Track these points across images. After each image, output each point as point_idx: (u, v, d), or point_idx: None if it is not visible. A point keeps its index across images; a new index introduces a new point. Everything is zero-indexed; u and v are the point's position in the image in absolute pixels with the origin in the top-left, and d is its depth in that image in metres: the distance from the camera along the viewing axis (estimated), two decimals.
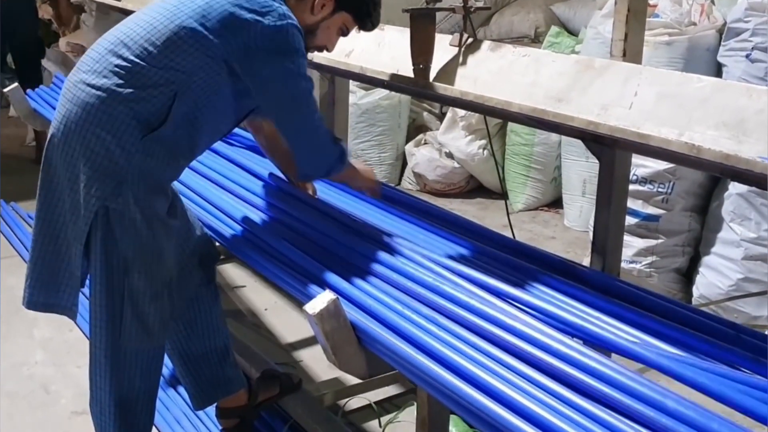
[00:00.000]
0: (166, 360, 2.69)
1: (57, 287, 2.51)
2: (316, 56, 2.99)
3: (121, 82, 2.30)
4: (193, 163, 2.85)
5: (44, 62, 7.53)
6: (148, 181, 2.34)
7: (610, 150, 2.61)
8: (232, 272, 4.59)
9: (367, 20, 2.66)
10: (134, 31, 2.36)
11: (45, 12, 8.37)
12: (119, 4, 5.44)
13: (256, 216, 2.83)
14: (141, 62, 2.31)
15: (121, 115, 2.29)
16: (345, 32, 2.67)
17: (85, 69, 2.37)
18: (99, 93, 2.31)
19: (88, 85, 2.33)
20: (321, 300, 2.11)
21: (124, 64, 2.32)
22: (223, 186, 3.14)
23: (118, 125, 2.29)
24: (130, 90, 2.30)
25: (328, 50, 2.70)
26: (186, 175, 2.87)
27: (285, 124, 2.54)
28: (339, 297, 2.14)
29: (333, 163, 2.66)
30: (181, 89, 2.34)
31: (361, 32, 2.71)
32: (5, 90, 4.71)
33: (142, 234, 2.37)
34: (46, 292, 2.52)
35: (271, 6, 2.40)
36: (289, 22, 2.41)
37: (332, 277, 2.34)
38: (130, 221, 2.34)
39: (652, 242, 4.37)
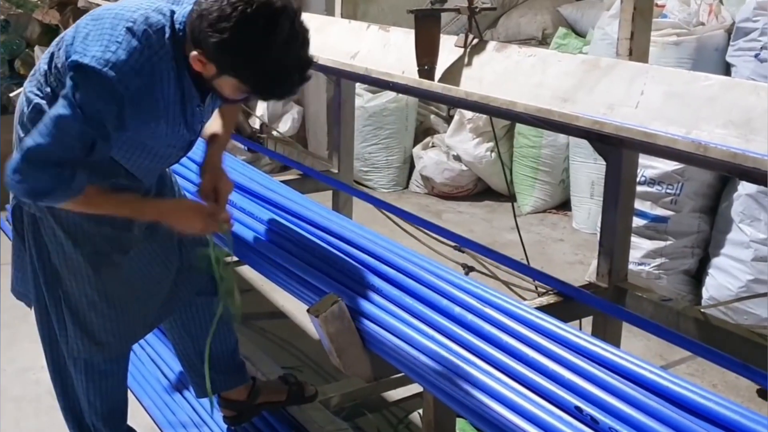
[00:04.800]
0: (172, 362, 2.68)
1: (24, 278, 2.55)
2: (322, 59, 2.96)
3: (38, 92, 2.24)
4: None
5: None
6: None
7: (617, 150, 2.60)
8: (238, 276, 4.58)
9: (260, 90, 2.13)
10: (51, 44, 2.28)
11: (52, 17, 8.38)
12: None
13: (262, 222, 2.82)
14: (45, 78, 2.23)
15: (30, 123, 2.21)
16: (244, 92, 2.15)
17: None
18: (23, 99, 2.29)
19: (24, 90, 2.31)
20: (325, 302, 2.10)
21: (42, 73, 2.25)
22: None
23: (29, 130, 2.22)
24: (41, 102, 2.22)
25: (242, 103, 2.34)
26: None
27: None
28: (343, 300, 2.13)
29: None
30: None
31: (368, 39, 2.51)
32: (11, 95, 4.71)
33: (63, 245, 2.35)
34: (21, 283, 2.58)
35: (114, 41, 2.05)
36: (107, 64, 2.03)
37: (336, 285, 2.32)
38: (51, 230, 2.34)
39: (660, 244, 4.34)
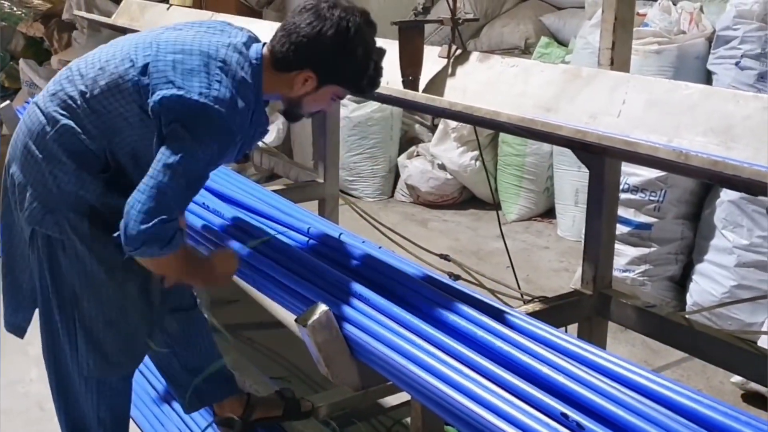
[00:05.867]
0: (159, 373, 2.68)
1: (17, 307, 2.55)
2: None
3: (63, 112, 2.26)
4: None
5: (35, 79, 7.53)
6: (83, 210, 2.29)
7: (600, 158, 2.62)
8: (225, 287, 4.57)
9: (361, 88, 2.35)
10: (92, 64, 2.29)
11: (36, 30, 8.38)
12: (110, 21, 5.45)
13: (248, 233, 2.83)
14: (83, 99, 2.25)
15: (54, 144, 2.25)
16: (339, 97, 2.41)
17: (44, 91, 2.35)
18: (41, 118, 2.28)
19: (38, 106, 2.31)
20: (313, 312, 2.11)
21: (71, 94, 2.26)
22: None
23: (53, 153, 2.26)
24: (70, 123, 2.25)
25: (325, 112, 2.56)
26: None
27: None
28: (331, 309, 2.14)
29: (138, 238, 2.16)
30: (114, 136, 2.26)
31: None
32: None
33: (87, 264, 2.34)
34: (13, 314, 2.57)
35: (214, 79, 2.17)
36: (216, 101, 2.15)
37: (324, 294, 2.33)
38: (72, 251, 2.32)
39: (644, 251, 4.37)
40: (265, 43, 2.32)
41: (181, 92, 2.15)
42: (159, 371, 2.82)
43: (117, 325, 2.43)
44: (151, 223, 2.12)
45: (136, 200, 2.13)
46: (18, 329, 2.60)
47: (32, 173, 2.29)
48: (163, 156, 2.14)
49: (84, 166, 2.26)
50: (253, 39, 2.34)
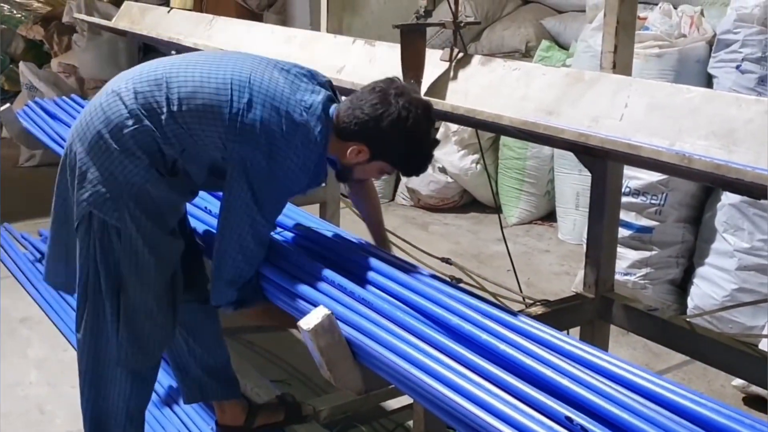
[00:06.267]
0: (161, 376, 2.69)
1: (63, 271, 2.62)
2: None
3: (146, 114, 2.33)
4: None
5: (35, 82, 7.53)
6: (144, 202, 2.37)
7: (602, 162, 2.62)
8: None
9: (408, 171, 2.56)
10: (183, 80, 2.36)
11: (36, 33, 8.38)
12: (110, 24, 5.45)
13: None
14: (168, 110, 2.33)
15: (131, 140, 2.32)
16: (388, 173, 2.58)
17: (125, 83, 2.40)
18: (124, 111, 2.34)
19: (121, 99, 2.36)
20: (315, 315, 2.10)
21: (158, 100, 2.34)
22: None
23: (129, 147, 2.32)
24: (151, 126, 2.32)
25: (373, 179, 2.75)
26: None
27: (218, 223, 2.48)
28: (333, 313, 2.14)
29: (226, 299, 2.50)
30: (189, 149, 2.37)
31: (354, 54, 2.64)
32: None
33: (139, 253, 2.40)
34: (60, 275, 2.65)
35: (293, 151, 2.35)
36: (292, 174, 2.37)
37: (326, 298, 2.33)
38: (128, 238, 2.37)
39: (646, 254, 4.37)
40: (337, 105, 2.45)
41: (262, 160, 2.33)
42: (168, 358, 2.84)
43: (154, 314, 2.50)
44: (235, 291, 2.46)
45: (222, 271, 2.43)
46: (58, 285, 2.73)
47: (101, 159, 2.35)
48: (234, 233, 2.40)
49: (154, 164, 2.35)
50: (332, 98, 2.47)
